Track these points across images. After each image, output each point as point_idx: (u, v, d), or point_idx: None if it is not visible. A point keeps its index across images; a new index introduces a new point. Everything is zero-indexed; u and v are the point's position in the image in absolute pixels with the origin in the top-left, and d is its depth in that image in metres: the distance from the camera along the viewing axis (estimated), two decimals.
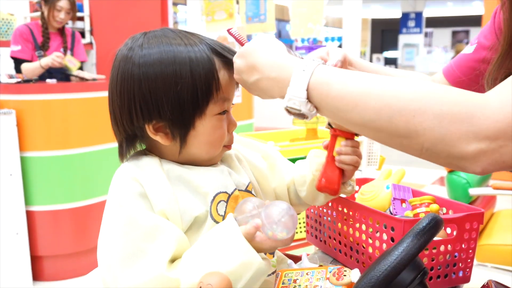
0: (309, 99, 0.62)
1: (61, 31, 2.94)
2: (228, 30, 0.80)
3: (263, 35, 0.72)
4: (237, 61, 0.71)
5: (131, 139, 0.76)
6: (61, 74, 2.84)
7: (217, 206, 0.73)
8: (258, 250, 0.65)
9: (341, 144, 0.80)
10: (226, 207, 0.74)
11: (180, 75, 0.69)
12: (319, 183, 0.81)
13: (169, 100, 0.69)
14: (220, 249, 0.64)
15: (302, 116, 0.64)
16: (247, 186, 0.80)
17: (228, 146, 0.80)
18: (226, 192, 0.75)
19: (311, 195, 0.87)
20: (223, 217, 0.73)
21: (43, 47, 2.84)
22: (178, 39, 0.72)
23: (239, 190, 0.78)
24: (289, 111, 0.64)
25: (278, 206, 0.65)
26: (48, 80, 2.67)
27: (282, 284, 0.74)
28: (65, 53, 2.93)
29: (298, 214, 0.93)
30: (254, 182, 0.84)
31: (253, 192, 0.81)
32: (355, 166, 0.81)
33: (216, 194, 0.74)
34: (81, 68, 3.04)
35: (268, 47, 0.69)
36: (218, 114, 0.74)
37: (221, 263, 0.62)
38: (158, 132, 0.72)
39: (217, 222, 0.72)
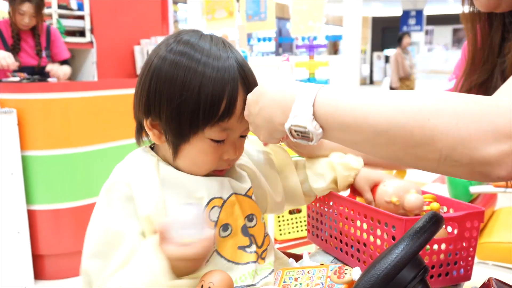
0: (315, 117, 0.59)
1: (33, 30, 2.71)
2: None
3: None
4: (248, 97, 0.70)
5: (139, 127, 0.77)
6: (32, 74, 2.70)
7: (210, 211, 0.72)
8: (184, 266, 0.62)
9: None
10: (219, 213, 0.73)
11: (188, 87, 0.68)
12: None
13: (169, 106, 0.69)
14: (138, 279, 0.61)
15: (307, 137, 0.61)
16: (247, 191, 0.79)
17: (221, 171, 0.77)
18: (221, 198, 0.74)
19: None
20: (216, 223, 0.73)
21: (13, 50, 2.63)
22: (206, 49, 0.70)
23: (237, 194, 0.77)
24: (292, 131, 0.62)
25: (182, 214, 0.61)
26: (49, 79, 2.67)
27: (284, 282, 0.74)
28: (38, 56, 2.73)
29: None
30: (259, 183, 0.84)
31: (253, 197, 0.80)
32: None
33: (210, 200, 0.73)
34: (68, 63, 2.90)
35: (275, 79, 0.68)
36: (212, 140, 0.71)
37: None
38: (153, 128, 0.73)
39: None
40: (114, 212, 0.68)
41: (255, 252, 0.77)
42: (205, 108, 0.68)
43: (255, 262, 0.76)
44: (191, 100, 0.68)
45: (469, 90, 0.81)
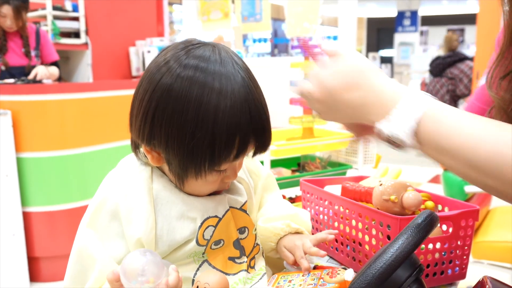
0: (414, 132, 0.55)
1: (21, 31, 2.73)
2: (302, 41, 0.69)
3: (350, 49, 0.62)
4: (329, 78, 0.60)
5: (134, 142, 0.73)
6: (21, 74, 2.71)
7: (204, 231, 0.72)
8: None
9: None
10: (213, 232, 0.73)
11: (200, 128, 0.61)
12: None
13: (180, 147, 0.63)
14: None
15: (396, 145, 0.56)
16: (243, 205, 0.79)
17: (218, 192, 0.75)
18: (216, 216, 0.73)
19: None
20: (208, 241, 0.72)
21: (0, 51, 2.65)
22: (217, 66, 0.63)
23: (233, 207, 0.76)
24: (383, 133, 0.56)
25: (130, 264, 0.58)
26: (44, 81, 2.66)
27: (277, 284, 0.75)
28: (26, 56, 2.75)
29: None
30: (252, 196, 0.82)
31: (247, 211, 0.80)
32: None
33: (204, 220, 0.72)
34: (57, 65, 2.93)
35: (377, 71, 0.60)
36: (216, 170, 0.68)
37: None
38: (152, 151, 0.68)
39: (200, 245, 0.71)
40: (94, 233, 0.68)
41: (245, 262, 0.77)
42: (220, 150, 0.63)
43: (245, 270, 0.76)
44: (204, 142, 0.62)
45: (503, 78, 0.72)
